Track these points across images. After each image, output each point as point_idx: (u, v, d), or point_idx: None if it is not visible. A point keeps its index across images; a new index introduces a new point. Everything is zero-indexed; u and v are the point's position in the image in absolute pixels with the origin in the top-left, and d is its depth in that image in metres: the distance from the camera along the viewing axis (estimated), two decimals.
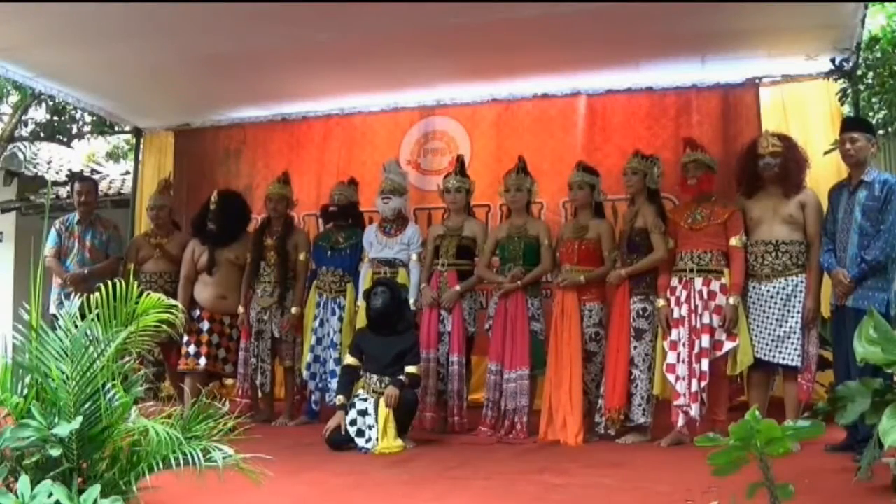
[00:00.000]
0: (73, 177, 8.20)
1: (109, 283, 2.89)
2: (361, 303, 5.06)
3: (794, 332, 4.21)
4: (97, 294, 2.83)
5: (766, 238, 4.32)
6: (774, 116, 5.58)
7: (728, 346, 4.26)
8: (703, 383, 4.23)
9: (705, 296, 4.32)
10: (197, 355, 5.32)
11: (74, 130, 9.00)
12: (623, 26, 4.94)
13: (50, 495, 2.29)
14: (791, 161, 4.33)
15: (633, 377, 4.48)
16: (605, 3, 4.54)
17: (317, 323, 5.32)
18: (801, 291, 4.24)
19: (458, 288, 4.99)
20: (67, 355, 2.67)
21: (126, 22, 4.74)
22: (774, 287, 4.28)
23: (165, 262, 5.68)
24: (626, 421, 4.50)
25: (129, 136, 8.85)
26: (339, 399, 4.54)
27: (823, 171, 4.94)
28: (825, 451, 3.89)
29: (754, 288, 4.34)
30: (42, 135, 9.07)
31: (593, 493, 3.29)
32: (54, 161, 9.78)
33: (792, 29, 4.90)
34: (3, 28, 4.89)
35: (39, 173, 9.23)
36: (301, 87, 6.25)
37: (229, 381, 5.87)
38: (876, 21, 6.18)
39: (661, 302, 4.47)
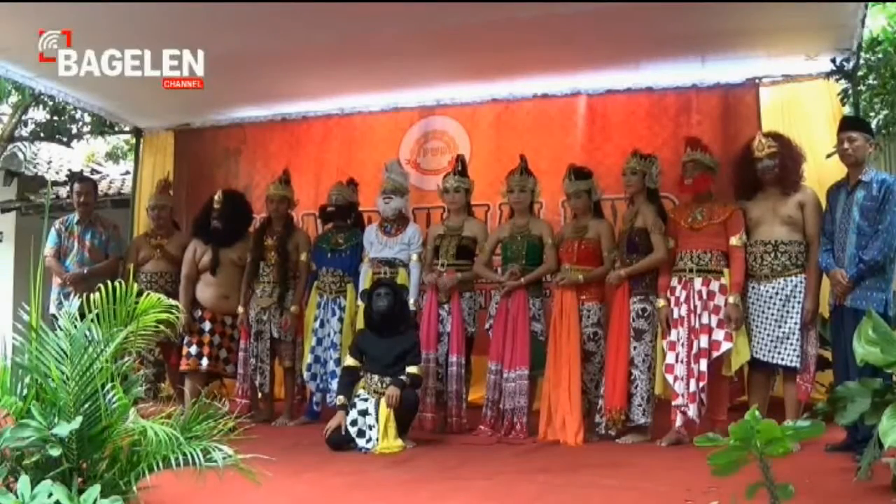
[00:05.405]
0: (73, 177, 8.21)
1: (109, 283, 2.89)
2: (361, 303, 5.06)
3: (794, 333, 4.20)
4: (97, 294, 2.83)
5: (766, 238, 4.32)
6: (774, 116, 5.57)
7: (725, 346, 4.25)
8: (702, 384, 4.22)
9: (704, 296, 4.32)
10: (199, 356, 5.32)
11: (74, 130, 8.98)
12: (623, 26, 4.94)
13: (50, 495, 2.29)
14: (788, 159, 4.33)
15: (632, 377, 4.48)
16: (605, 3, 4.54)
17: (317, 324, 5.31)
18: (800, 292, 4.24)
19: (458, 275, 5.00)
20: (67, 355, 2.67)
21: (126, 22, 4.73)
22: (773, 287, 4.28)
23: (165, 263, 5.68)
24: (626, 421, 4.50)
25: (129, 136, 8.84)
26: (340, 399, 4.54)
27: (826, 171, 4.93)
28: (825, 451, 3.88)
29: (753, 288, 4.34)
30: (42, 135, 9.05)
31: (593, 493, 3.28)
32: (54, 161, 9.78)
33: (792, 29, 4.90)
34: (3, 28, 4.88)
35: (39, 173, 9.24)
36: (301, 87, 6.24)
37: (229, 381, 5.87)
38: (876, 22, 6.17)
39: (661, 302, 4.47)
